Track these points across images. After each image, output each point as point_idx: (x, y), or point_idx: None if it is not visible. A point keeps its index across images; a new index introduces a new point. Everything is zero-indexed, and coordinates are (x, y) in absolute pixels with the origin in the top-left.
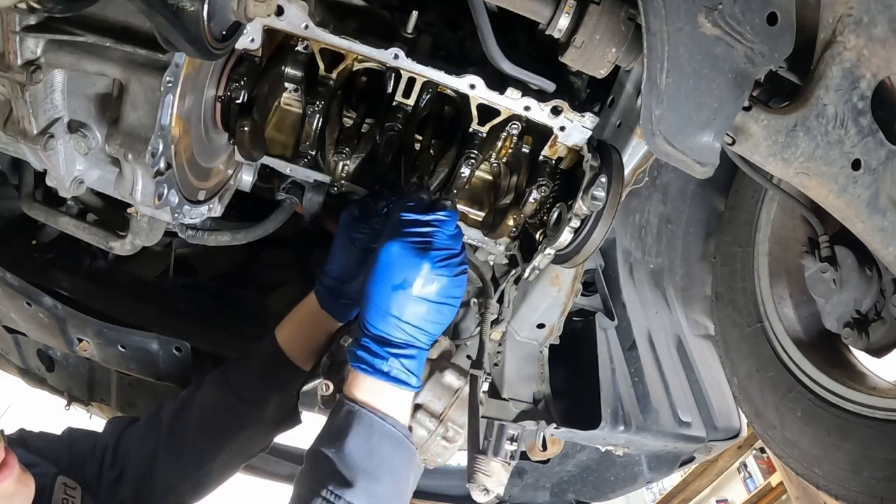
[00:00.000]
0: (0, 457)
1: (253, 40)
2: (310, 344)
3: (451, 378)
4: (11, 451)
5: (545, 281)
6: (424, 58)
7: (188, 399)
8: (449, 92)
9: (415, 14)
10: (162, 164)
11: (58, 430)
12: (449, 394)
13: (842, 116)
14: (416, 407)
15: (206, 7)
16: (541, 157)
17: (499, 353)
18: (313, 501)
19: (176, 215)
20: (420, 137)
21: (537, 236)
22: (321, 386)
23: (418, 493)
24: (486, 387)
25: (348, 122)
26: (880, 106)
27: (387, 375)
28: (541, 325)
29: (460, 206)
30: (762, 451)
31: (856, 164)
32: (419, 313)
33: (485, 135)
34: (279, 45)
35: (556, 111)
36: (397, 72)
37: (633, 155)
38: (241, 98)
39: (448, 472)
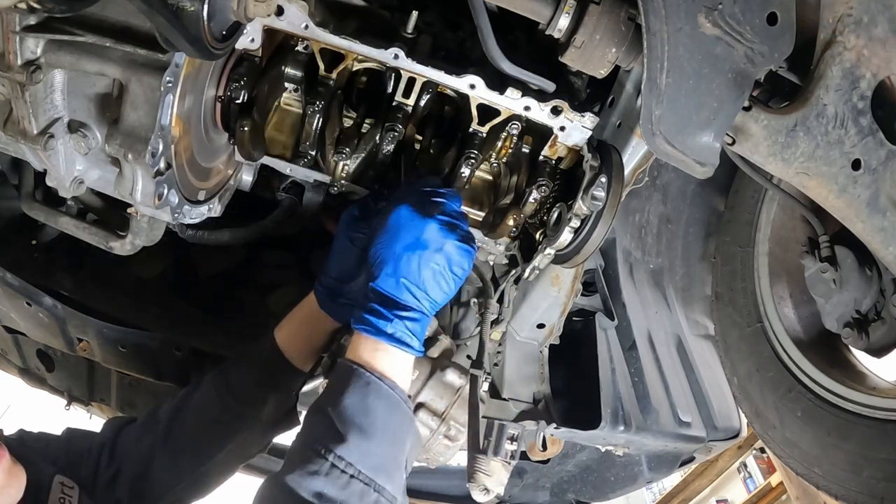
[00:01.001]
0: None
1: (253, 40)
2: (309, 344)
3: (452, 377)
4: (2, 444)
5: (545, 281)
6: (424, 58)
7: (186, 399)
8: (449, 92)
9: (415, 14)
10: (162, 164)
11: (58, 431)
12: (451, 392)
13: (842, 116)
14: (419, 406)
15: (206, 7)
16: (541, 157)
17: (499, 353)
18: (304, 454)
19: (176, 215)
20: (420, 137)
21: (537, 236)
22: (322, 386)
23: (419, 494)
24: (486, 386)
25: (348, 122)
26: (880, 106)
27: (390, 337)
28: (541, 325)
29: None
30: (762, 451)
31: (856, 164)
32: (426, 277)
33: (485, 135)
34: (279, 45)
35: (556, 111)
36: (397, 72)
37: (633, 155)
38: (241, 98)
39: (448, 472)
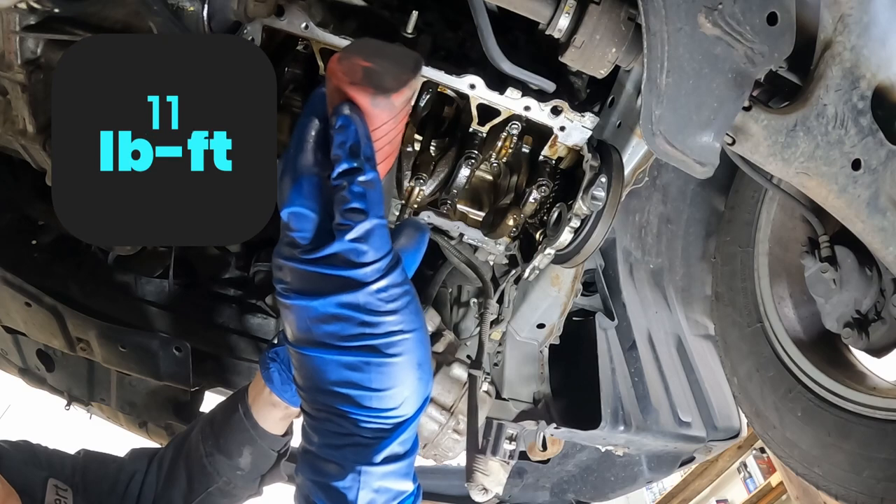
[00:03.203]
0: None
1: (253, 40)
2: (276, 410)
3: (459, 371)
4: None
5: (545, 281)
6: (424, 58)
7: (186, 436)
8: (449, 92)
9: (415, 14)
10: None
11: (57, 431)
12: (458, 386)
13: (842, 116)
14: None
15: (206, 7)
16: (541, 157)
17: (498, 353)
18: None
19: None
20: (420, 137)
21: (537, 236)
22: None
23: None
24: (485, 386)
25: None
26: (880, 106)
27: None
28: (541, 325)
29: (460, 206)
30: (762, 451)
31: (856, 164)
32: None
33: (485, 135)
34: (279, 45)
35: (556, 111)
36: None
37: (633, 155)
38: None
39: (448, 472)
